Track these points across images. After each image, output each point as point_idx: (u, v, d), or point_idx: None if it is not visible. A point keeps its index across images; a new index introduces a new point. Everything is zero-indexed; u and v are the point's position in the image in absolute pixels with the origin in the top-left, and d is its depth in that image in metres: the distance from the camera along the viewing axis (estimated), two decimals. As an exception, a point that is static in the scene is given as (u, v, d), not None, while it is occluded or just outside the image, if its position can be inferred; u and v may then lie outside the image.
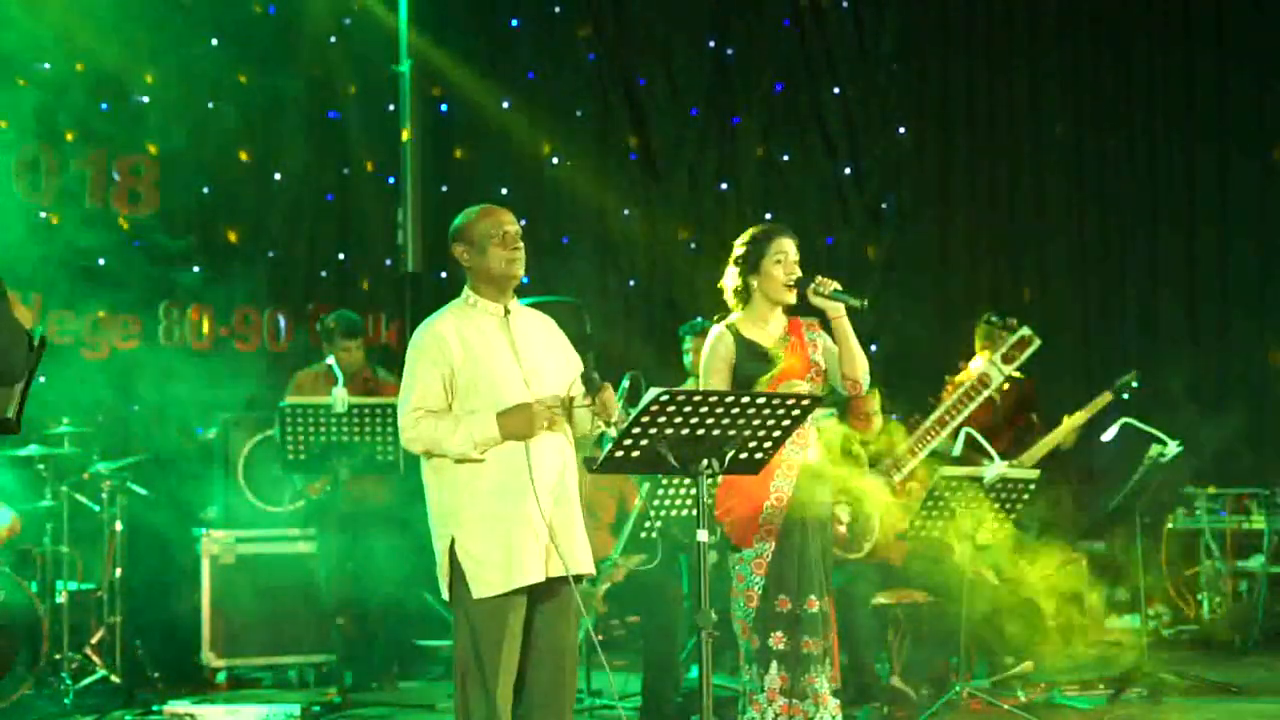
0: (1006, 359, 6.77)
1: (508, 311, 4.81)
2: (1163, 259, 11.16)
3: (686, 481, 6.32)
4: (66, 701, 7.18)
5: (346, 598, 7.74)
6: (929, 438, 6.81)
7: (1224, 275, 11.09)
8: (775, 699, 5.41)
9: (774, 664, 5.41)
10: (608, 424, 4.68)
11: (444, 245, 9.66)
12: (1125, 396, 7.87)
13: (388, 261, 9.69)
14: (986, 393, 6.81)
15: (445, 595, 4.69)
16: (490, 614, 4.60)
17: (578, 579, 4.70)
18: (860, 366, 5.50)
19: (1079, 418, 7.92)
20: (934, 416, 6.80)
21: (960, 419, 6.80)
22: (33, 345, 4.11)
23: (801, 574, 5.42)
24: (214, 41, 9.15)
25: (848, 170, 10.97)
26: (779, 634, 5.41)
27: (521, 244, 4.81)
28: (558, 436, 4.72)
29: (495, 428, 4.59)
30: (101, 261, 8.81)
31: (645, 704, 6.70)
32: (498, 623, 4.59)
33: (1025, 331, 6.84)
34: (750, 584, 5.45)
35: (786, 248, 5.50)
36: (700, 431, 4.33)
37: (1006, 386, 7.92)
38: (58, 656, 7.26)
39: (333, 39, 9.60)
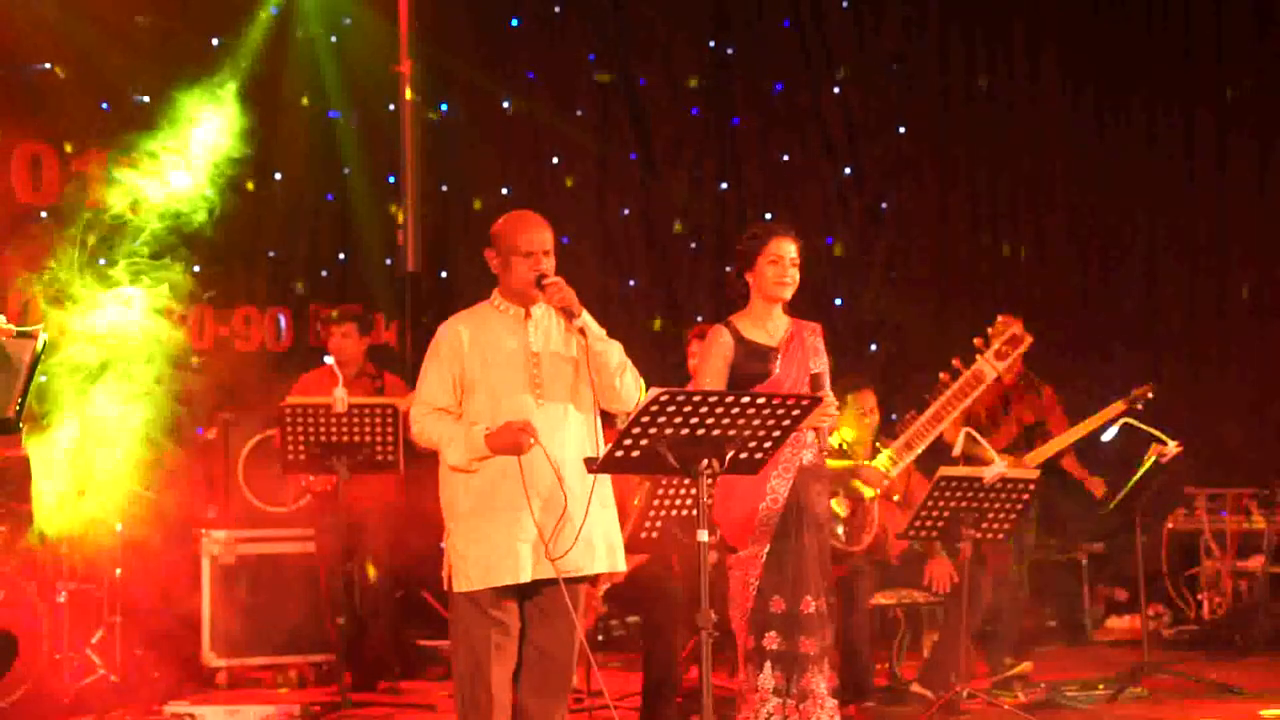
0: (999, 355, 6.77)
1: (529, 315, 4.90)
2: (1163, 256, 11.15)
3: (686, 481, 6.30)
4: (66, 701, 7.17)
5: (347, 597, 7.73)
6: (923, 435, 6.80)
7: (1224, 257, 11.07)
8: (768, 699, 5.41)
9: (768, 664, 5.41)
10: (573, 319, 4.73)
11: (444, 245, 9.82)
12: (1139, 407, 7.83)
13: (388, 261, 9.68)
14: (980, 389, 6.81)
15: (445, 586, 4.91)
16: (471, 609, 4.80)
17: (589, 579, 4.90)
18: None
19: (1091, 424, 7.91)
20: (928, 413, 6.79)
21: (954, 416, 6.80)
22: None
23: (798, 575, 5.41)
24: (214, 41, 9.15)
25: (848, 170, 10.97)
26: (772, 634, 5.41)
27: (549, 262, 4.86)
28: (560, 440, 4.77)
29: (484, 446, 4.74)
30: (102, 262, 8.80)
31: (645, 704, 6.69)
32: (479, 618, 4.79)
33: (1016, 329, 6.84)
34: (746, 585, 5.46)
35: (782, 248, 5.48)
36: (700, 431, 4.33)
37: (1012, 383, 7.94)
38: (58, 656, 7.25)
39: (333, 39, 9.59)
